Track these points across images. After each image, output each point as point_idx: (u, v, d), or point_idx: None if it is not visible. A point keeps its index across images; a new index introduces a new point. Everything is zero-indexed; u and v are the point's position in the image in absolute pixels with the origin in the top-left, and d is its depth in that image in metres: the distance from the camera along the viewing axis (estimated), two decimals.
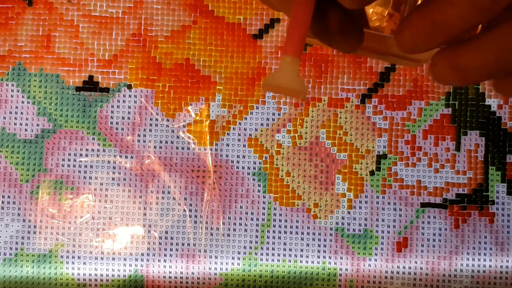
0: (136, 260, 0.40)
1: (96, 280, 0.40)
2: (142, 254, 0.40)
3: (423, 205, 0.40)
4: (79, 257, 0.40)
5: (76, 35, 0.41)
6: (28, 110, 0.41)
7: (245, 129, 0.41)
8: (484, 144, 0.41)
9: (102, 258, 0.40)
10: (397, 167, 0.41)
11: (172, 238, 0.40)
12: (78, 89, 0.41)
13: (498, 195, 0.41)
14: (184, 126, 0.41)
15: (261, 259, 0.40)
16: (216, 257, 0.40)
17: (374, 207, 0.40)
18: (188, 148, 0.41)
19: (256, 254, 0.40)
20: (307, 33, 0.31)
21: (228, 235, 0.40)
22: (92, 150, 0.40)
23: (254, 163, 0.41)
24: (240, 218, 0.40)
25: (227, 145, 0.41)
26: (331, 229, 0.40)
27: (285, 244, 0.40)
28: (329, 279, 0.40)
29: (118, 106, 0.41)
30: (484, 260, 0.40)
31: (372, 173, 0.41)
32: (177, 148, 0.41)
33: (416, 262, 0.40)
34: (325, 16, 0.31)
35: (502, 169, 0.41)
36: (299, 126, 0.41)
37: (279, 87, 0.31)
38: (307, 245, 0.40)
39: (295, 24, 0.30)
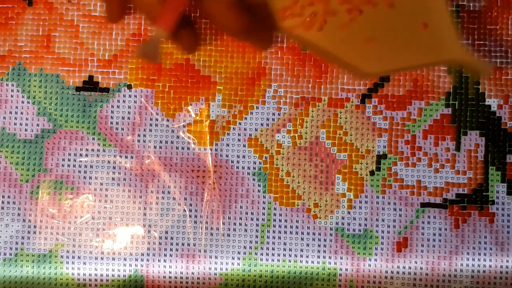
0: (136, 260, 0.40)
1: (96, 280, 0.40)
2: (142, 254, 0.40)
3: (423, 205, 0.41)
4: (79, 257, 0.40)
5: (76, 35, 0.41)
6: (28, 110, 0.41)
7: (245, 129, 0.41)
8: (484, 144, 0.41)
9: (102, 258, 0.40)
10: (397, 167, 0.41)
11: (172, 238, 0.40)
12: (78, 89, 0.41)
13: (498, 195, 0.41)
14: (184, 126, 0.41)
15: (261, 259, 0.40)
16: (216, 257, 0.40)
17: (374, 207, 0.40)
18: (188, 148, 0.41)
19: (256, 254, 0.40)
20: (182, 12, 0.35)
21: (228, 235, 0.40)
22: (92, 150, 0.40)
23: (254, 163, 0.41)
24: (240, 218, 0.40)
25: (227, 145, 0.41)
26: (331, 229, 0.40)
27: (285, 244, 0.40)
28: (329, 279, 0.40)
29: (118, 106, 0.41)
30: (484, 260, 0.40)
31: (372, 173, 0.41)
32: (177, 148, 0.41)
33: (416, 262, 0.40)
34: (231, 17, 0.35)
35: (502, 169, 0.41)
36: (299, 126, 0.41)
37: (144, 54, 0.36)
38: (307, 245, 0.40)
39: (172, 3, 0.34)
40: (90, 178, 0.40)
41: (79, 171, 0.40)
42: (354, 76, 0.40)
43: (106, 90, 0.41)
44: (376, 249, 0.40)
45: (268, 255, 0.40)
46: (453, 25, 0.36)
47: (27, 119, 0.41)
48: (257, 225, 0.40)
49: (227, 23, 0.35)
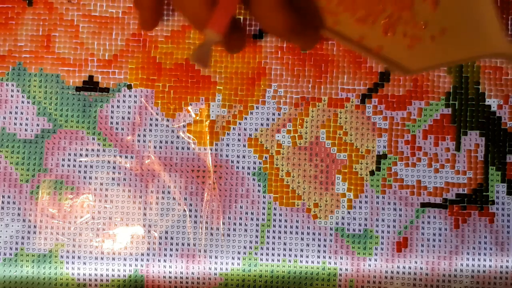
0: (136, 260, 0.40)
1: (96, 280, 0.40)
2: (142, 254, 0.40)
3: (423, 205, 0.41)
4: (79, 257, 0.40)
5: (76, 35, 0.41)
6: (28, 110, 0.41)
7: (245, 129, 0.41)
8: (484, 144, 0.41)
9: (102, 258, 0.40)
10: (397, 167, 0.41)
11: (172, 238, 0.40)
12: (78, 89, 0.41)
13: (498, 195, 0.41)
14: (184, 126, 0.41)
15: (261, 259, 0.40)
16: (216, 257, 0.40)
17: (374, 207, 0.40)
18: (188, 148, 0.41)
19: (256, 254, 0.40)
20: (233, 15, 0.34)
21: (228, 235, 0.40)
22: (92, 150, 0.40)
23: (254, 163, 0.41)
24: (240, 218, 0.40)
25: (227, 145, 0.41)
26: (331, 229, 0.40)
27: (285, 244, 0.40)
28: (329, 279, 0.40)
29: (118, 106, 0.41)
30: (484, 260, 0.40)
31: (372, 173, 0.41)
32: (177, 148, 0.41)
33: (416, 262, 0.40)
34: (278, 17, 0.34)
35: (502, 169, 0.41)
36: (299, 126, 0.41)
37: (197, 59, 0.34)
38: (307, 245, 0.40)
39: (225, 5, 0.33)
40: (90, 178, 0.40)
41: (79, 171, 0.40)
42: (398, 73, 0.40)
43: (106, 90, 0.41)
44: (376, 249, 0.40)
45: (268, 255, 0.40)
46: (496, 19, 0.36)
47: (27, 119, 0.41)
48: (257, 225, 0.40)
49: (273, 23, 0.34)
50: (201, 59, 0.34)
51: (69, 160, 0.40)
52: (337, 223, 0.40)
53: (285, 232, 0.40)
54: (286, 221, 0.40)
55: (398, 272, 0.40)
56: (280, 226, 0.40)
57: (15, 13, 0.41)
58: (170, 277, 0.40)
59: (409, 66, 0.37)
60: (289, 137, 0.41)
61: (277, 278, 0.40)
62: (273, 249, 0.40)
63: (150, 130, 0.41)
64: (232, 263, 0.40)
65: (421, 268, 0.40)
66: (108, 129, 0.41)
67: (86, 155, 0.41)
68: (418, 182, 0.41)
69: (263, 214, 0.40)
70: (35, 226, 0.40)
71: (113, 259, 0.40)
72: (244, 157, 0.41)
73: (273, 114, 0.41)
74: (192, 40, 0.41)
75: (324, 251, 0.40)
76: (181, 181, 0.40)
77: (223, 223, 0.40)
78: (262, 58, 0.41)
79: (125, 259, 0.40)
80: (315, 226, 0.40)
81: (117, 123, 0.41)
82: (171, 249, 0.40)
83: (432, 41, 0.37)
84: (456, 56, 0.37)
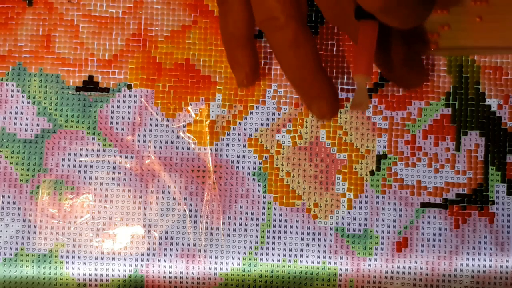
0: (136, 260, 0.40)
1: (96, 280, 0.40)
2: (142, 254, 0.40)
3: (423, 205, 0.41)
4: (79, 257, 0.40)
5: (76, 35, 0.41)
6: (28, 110, 0.41)
7: (245, 129, 0.41)
8: (484, 144, 0.41)
9: (102, 258, 0.40)
10: (397, 167, 0.41)
11: (172, 238, 0.40)
12: (78, 89, 0.41)
13: (498, 195, 0.41)
14: (184, 126, 0.41)
15: (261, 259, 0.40)
16: (216, 257, 0.40)
17: (374, 207, 0.40)
18: (188, 148, 0.41)
19: (256, 254, 0.40)
20: (374, 54, 0.33)
21: (228, 235, 0.40)
22: (92, 150, 0.40)
23: (254, 163, 0.41)
24: (240, 218, 0.40)
25: (227, 145, 0.41)
26: (331, 229, 0.40)
27: (285, 244, 0.40)
28: (329, 279, 0.40)
29: (118, 106, 0.41)
30: (484, 260, 0.40)
31: (372, 173, 0.41)
32: (177, 148, 0.41)
33: (416, 262, 0.40)
34: (389, 51, 0.35)
35: (502, 169, 0.41)
36: (299, 126, 0.41)
37: (356, 105, 0.35)
38: (307, 245, 0.40)
39: (363, 46, 0.33)
40: (90, 178, 0.40)
41: (79, 171, 0.40)
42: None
43: (106, 90, 0.41)
44: (376, 249, 0.40)
45: (268, 255, 0.40)
46: None
47: (27, 119, 0.41)
48: (257, 225, 0.40)
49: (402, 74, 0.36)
50: (361, 104, 0.35)
51: (69, 160, 0.40)
52: (337, 223, 0.40)
53: (285, 232, 0.40)
54: (286, 221, 0.40)
55: (398, 272, 0.40)
56: (280, 226, 0.40)
57: (15, 13, 0.41)
58: (170, 277, 0.40)
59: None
60: (289, 137, 0.41)
61: (277, 278, 0.40)
62: (273, 249, 0.40)
63: (150, 130, 0.41)
64: (232, 263, 0.40)
65: (421, 268, 0.40)
66: (108, 129, 0.41)
67: (86, 155, 0.41)
68: (418, 182, 0.41)
69: (263, 214, 0.40)
70: (35, 226, 0.40)
71: (113, 259, 0.40)
72: (244, 157, 0.41)
73: (273, 114, 0.41)
74: (192, 40, 0.41)
75: (324, 251, 0.40)
76: (181, 181, 0.40)
77: (223, 223, 0.40)
78: (262, 58, 0.41)
79: (125, 259, 0.40)
80: (315, 226, 0.40)
81: (117, 123, 0.41)
82: (171, 249, 0.40)
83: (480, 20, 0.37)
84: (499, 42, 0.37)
